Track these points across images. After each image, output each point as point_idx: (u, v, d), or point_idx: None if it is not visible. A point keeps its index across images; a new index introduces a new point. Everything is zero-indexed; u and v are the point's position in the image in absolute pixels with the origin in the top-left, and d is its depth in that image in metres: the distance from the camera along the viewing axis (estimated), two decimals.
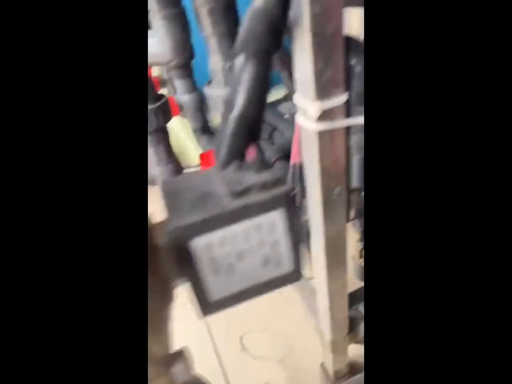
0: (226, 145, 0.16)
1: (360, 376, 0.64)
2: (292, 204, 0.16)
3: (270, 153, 0.64)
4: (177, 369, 0.19)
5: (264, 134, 0.83)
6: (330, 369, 0.66)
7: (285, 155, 0.61)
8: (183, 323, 0.90)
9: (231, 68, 0.20)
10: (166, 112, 0.49)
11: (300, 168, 0.39)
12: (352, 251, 0.66)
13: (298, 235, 0.17)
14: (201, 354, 0.79)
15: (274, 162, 0.61)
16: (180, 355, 0.20)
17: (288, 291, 0.76)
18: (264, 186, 0.15)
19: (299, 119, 0.35)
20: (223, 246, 0.16)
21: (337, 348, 0.60)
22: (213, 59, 0.68)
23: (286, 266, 0.17)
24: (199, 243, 0.15)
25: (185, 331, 0.84)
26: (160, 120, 0.48)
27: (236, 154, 0.16)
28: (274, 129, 0.82)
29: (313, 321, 0.63)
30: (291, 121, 0.74)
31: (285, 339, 0.78)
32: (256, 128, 0.16)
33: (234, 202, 0.15)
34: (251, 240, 0.16)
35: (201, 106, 0.68)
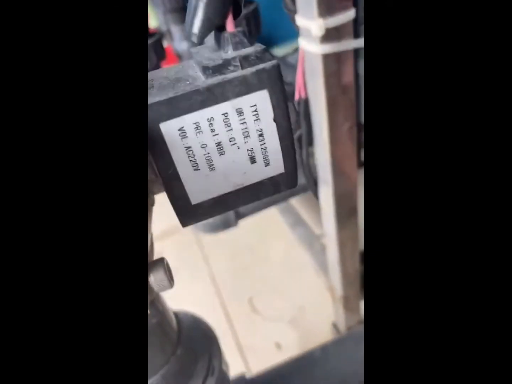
0: (199, 15, 0.13)
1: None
2: (280, 85, 0.13)
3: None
4: (155, 278, 0.17)
5: None
6: (342, 327, 0.64)
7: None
8: (193, 285, 0.90)
9: None
10: (158, 51, 0.47)
11: (305, 104, 0.36)
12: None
13: (289, 128, 0.14)
14: (211, 316, 0.79)
15: None
16: (160, 263, 0.18)
17: (298, 250, 0.74)
18: (245, 61, 0.13)
19: (302, 43, 0.31)
20: (199, 134, 0.13)
21: (348, 304, 0.58)
22: None
23: (276, 167, 0.14)
24: (170, 128, 0.13)
25: (194, 294, 0.84)
26: (152, 61, 0.45)
27: (212, 24, 0.13)
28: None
29: (324, 280, 0.61)
30: None
31: (296, 299, 0.77)
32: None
33: (208, 80, 0.13)
34: (233, 128, 0.13)
35: None
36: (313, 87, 0.34)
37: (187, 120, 0.13)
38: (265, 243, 0.86)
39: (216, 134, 0.13)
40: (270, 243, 0.85)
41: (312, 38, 0.29)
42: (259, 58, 0.13)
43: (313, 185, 0.44)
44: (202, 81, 0.13)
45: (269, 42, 1.13)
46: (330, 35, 0.29)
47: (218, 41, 0.14)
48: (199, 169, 0.14)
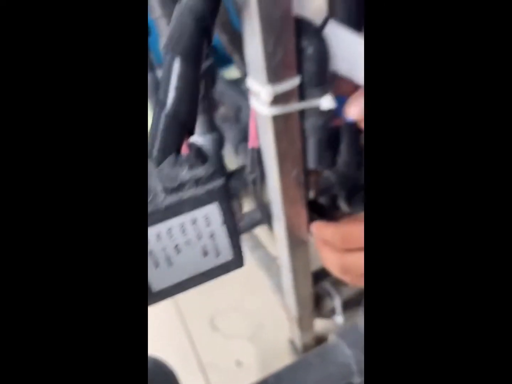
0: (158, 142, 0.16)
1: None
2: (226, 197, 0.16)
3: (235, 134, 0.63)
4: None
5: (230, 113, 0.82)
6: (298, 344, 0.69)
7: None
8: (155, 305, 0.90)
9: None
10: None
11: (258, 152, 0.39)
12: None
13: (235, 225, 0.17)
14: (172, 335, 0.80)
15: (238, 144, 0.61)
16: None
17: (256, 271, 0.78)
18: (198, 181, 0.16)
19: (253, 104, 0.34)
20: (159, 241, 0.16)
21: (303, 323, 0.62)
22: (163, 41, 0.66)
23: (226, 255, 0.17)
24: None
25: (156, 313, 0.85)
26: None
27: (170, 150, 0.16)
28: (239, 107, 0.81)
29: (280, 298, 0.64)
30: None
31: (255, 317, 0.80)
32: (189, 124, 0.16)
33: (168, 199, 0.15)
34: (188, 234, 0.16)
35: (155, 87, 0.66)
36: (264, 141, 0.37)
37: (150, 232, 0.16)
38: None
39: (174, 239, 0.16)
40: None
41: (262, 101, 0.33)
42: (210, 177, 0.16)
43: (268, 220, 0.47)
44: (161, 200, 0.16)
45: (226, 62, 1.15)
46: (278, 99, 0.33)
47: (176, 159, 0.16)
48: (159, 266, 0.17)
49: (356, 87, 0.39)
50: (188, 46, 0.16)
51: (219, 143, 0.50)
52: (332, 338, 0.40)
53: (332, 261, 0.43)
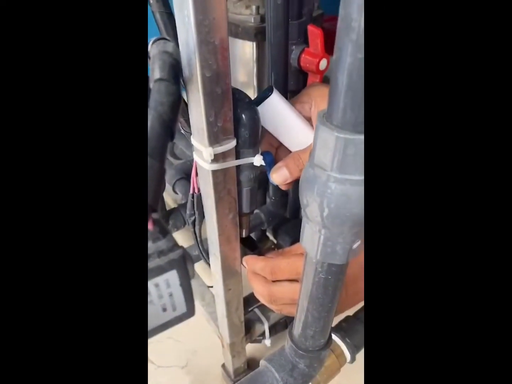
0: None
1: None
2: (184, 264, 0.20)
3: (172, 172, 0.67)
4: None
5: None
6: (230, 368, 0.72)
7: (186, 175, 0.65)
8: None
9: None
10: None
11: (198, 198, 0.44)
12: None
13: (189, 284, 0.22)
14: None
15: (175, 182, 0.65)
16: None
17: None
18: (161, 253, 0.20)
19: (196, 159, 0.39)
20: None
21: (235, 349, 0.66)
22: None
23: (181, 309, 0.22)
24: None
25: None
26: None
27: None
28: (174, 145, 0.85)
29: (213, 326, 0.68)
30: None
31: (188, 345, 0.82)
32: (154, 205, 0.20)
33: None
34: (151, 295, 0.20)
35: None
36: (205, 189, 0.42)
37: None
38: None
39: None
40: None
41: (204, 159, 0.38)
42: (170, 249, 0.20)
43: (205, 256, 0.52)
44: None
45: None
46: (218, 157, 0.38)
47: None
48: None
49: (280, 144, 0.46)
50: (155, 146, 0.20)
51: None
52: (262, 363, 0.45)
53: (262, 291, 0.49)
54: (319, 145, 0.27)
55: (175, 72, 0.31)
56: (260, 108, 0.40)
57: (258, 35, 0.65)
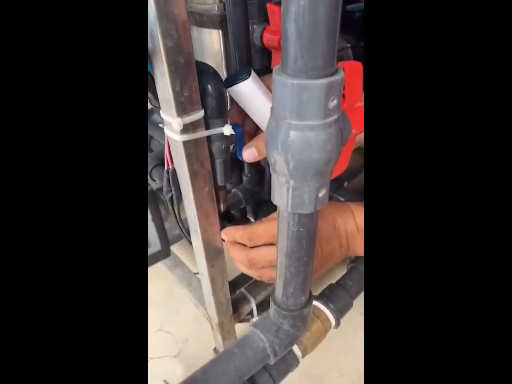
0: None
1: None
2: (155, 200, 0.22)
3: (148, 161, 0.68)
4: None
5: None
6: (222, 350, 0.73)
7: (162, 162, 0.66)
8: None
9: None
10: None
11: (173, 173, 0.45)
12: None
13: (162, 223, 0.23)
14: None
15: (152, 169, 0.66)
16: None
17: (178, 289, 0.81)
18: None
19: (167, 132, 0.41)
20: None
21: (224, 328, 0.67)
22: None
23: (155, 246, 0.23)
24: None
25: None
26: None
27: None
28: (150, 137, 0.86)
29: (203, 311, 0.69)
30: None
31: (179, 336, 0.83)
32: None
33: None
34: None
35: None
36: (178, 163, 0.43)
37: None
38: (149, 287, 0.91)
39: None
40: (153, 286, 0.90)
41: (174, 130, 0.39)
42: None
43: (186, 234, 0.53)
44: None
45: None
46: (187, 128, 0.39)
47: None
48: None
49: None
50: None
51: None
52: (249, 329, 0.47)
53: (241, 258, 0.50)
54: (277, 96, 0.29)
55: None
56: (235, 87, 0.42)
57: (222, 22, 0.67)
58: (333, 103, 0.28)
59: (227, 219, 0.55)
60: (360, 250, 0.48)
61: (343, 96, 0.33)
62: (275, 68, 0.29)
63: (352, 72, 0.33)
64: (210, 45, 0.76)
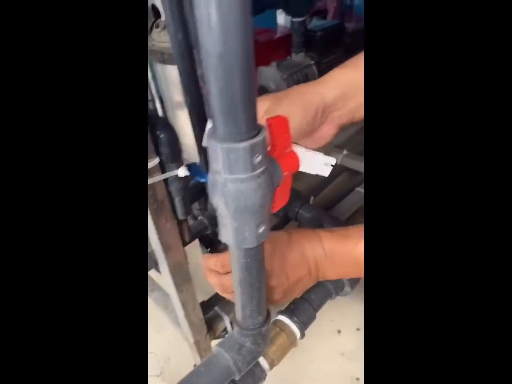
0: None
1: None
2: None
3: None
4: None
5: None
6: None
7: None
8: None
9: None
10: None
11: None
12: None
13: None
14: None
15: None
16: None
17: (156, 311, 0.85)
18: None
19: None
20: None
21: (201, 347, 0.71)
22: None
23: None
24: None
25: None
26: None
27: None
28: None
29: (179, 330, 0.73)
30: None
31: (161, 355, 0.87)
32: None
33: None
34: None
35: None
36: None
37: None
38: None
39: None
40: None
41: None
42: None
43: (154, 264, 0.57)
44: None
45: None
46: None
47: None
48: None
49: None
50: None
51: None
52: (213, 348, 0.51)
53: (215, 283, 0.55)
54: (212, 155, 0.34)
55: None
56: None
57: None
58: (258, 159, 0.33)
59: (204, 243, 0.59)
60: (329, 274, 0.50)
61: (275, 145, 0.39)
62: (208, 129, 0.34)
63: (280, 126, 0.38)
64: (174, 79, 0.81)
